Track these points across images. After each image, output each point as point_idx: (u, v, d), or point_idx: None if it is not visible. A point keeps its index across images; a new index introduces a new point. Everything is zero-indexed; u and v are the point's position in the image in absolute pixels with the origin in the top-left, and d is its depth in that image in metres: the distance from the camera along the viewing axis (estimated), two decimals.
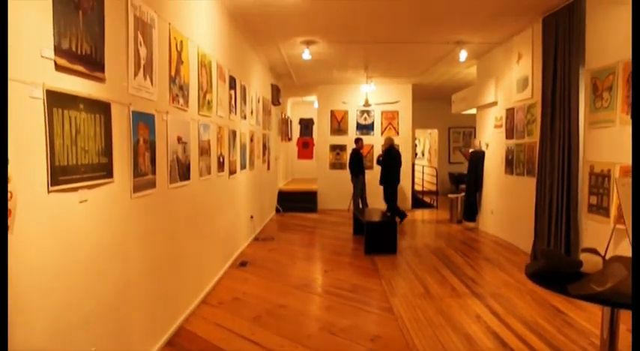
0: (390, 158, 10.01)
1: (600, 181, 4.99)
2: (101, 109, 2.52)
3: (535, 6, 5.84)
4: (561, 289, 2.15)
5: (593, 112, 5.15)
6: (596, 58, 5.15)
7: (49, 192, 2.05)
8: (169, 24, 3.66)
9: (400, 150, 12.38)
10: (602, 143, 5.00)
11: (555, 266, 2.35)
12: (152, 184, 3.31)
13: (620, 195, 2.00)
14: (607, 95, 4.89)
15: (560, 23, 5.72)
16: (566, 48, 5.59)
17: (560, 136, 5.68)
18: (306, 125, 16.99)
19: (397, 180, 10.12)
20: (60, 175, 2.12)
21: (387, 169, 9.99)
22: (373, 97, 11.81)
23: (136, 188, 3.02)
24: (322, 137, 12.64)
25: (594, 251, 2.41)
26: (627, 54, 4.51)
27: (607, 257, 2.40)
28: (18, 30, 1.86)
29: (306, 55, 7.95)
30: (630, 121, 4.45)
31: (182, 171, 3.99)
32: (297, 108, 17.19)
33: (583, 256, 2.38)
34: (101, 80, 2.53)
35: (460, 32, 7.21)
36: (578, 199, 5.41)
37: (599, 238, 4.88)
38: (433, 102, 15.17)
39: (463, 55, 7.94)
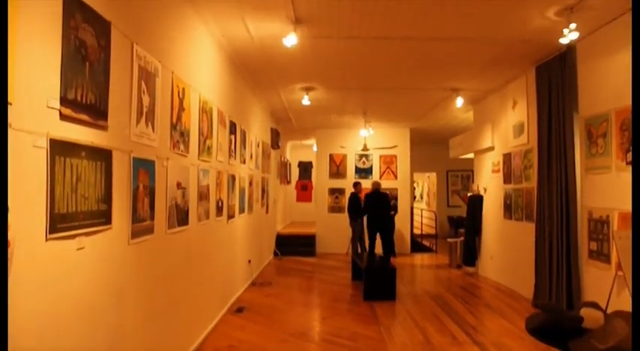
0: (374, 202, 10.14)
1: (599, 227, 4.98)
2: (102, 156, 2.55)
3: (528, 55, 6.02)
4: (563, 345, 2.10)
5: (589, 158, 5.21)
6: (589, 105, 5.26)
7: (46, 240, 2.04)
8: (172, 72, 3.76)
9: (398, 193, 12.39)
10: (600, 189, 5.02)
11: (556, 322, 2.31)
12: (150, 230, 3.30)
13: (618, 248, 1.99)
14: (602, 142, 4.96)
15: (553, 72, 5.88)
16: (559, 95, 5.73)
17: (558, 181, 5.72)
18: (305, 168, 17.10)
19: (381, 224, 10.20)
20: (59, 222, 2.12)
21: (370, 212, 10.19)
22: (371, 142, 11.95)
23: (134, 234, 3.01)
24: (321, 181, 12.69)
25: (595, 305, 2.37)
26: (619, 102, 4.61)
27: (609, 308, 2.36)
28: (26, 81, 1.92)
29: (306, 100, 8.11)
30: (626, 167, 4.49)
31: (180, 216, 3.98)
32: (296, 151, 17.35)
33: (584, 312, 2.34)
34: (104, 128, 2.57)
35: (456, 79, 7.40)
36: (577, 246, 5.38)
37: (601, 285, 4.82)
38: (431, 146, 15.34)
39: (459, 101, 8.11)
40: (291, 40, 4.71)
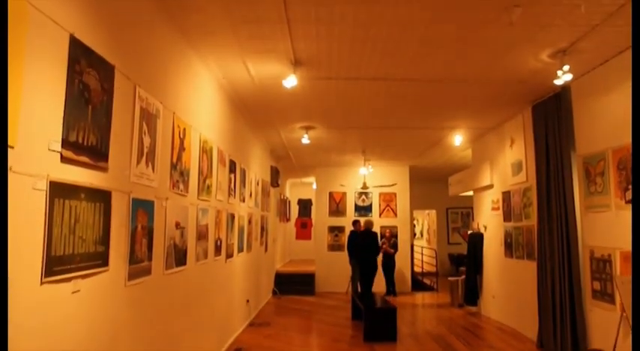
0: (361, 242, 10.08)
1: (602, 267, 4.93)
2: (102, 197, 2.55)
3: (524, 95, 6.12)
4: None
5: (588, 197, 5.21)
6: (586, 144, 5.31)
7: (41, 283, 2.01)
8: (174, 113, 3.81)
9: (399, 231, 12.30)
10: (600, 227, 5.00)
11: None
12: (147, 271, 3.26)
13: (620, 293, 1.96)
14: (600, 180, 4.97)
15: (549, 111, 5.97)
16: (556, 134, 5.79)
17: (558, 219, 5.70)
18: (305, 206, 17.06)
19: (366, 268, 10.05)
20: (55, 265, 2.10)
21: (357, 250, 10.11)
22: (371, 180, 11.98)
23: (131, 276, 2.97)
24: (320, 218, 12.63)
25: None
26: (615, 141, 4.66)
27: None
28: (29, 124, 1.94)
29: (305, 139, 8.18)
30: (626, 206, 4.49)
31: (178, 256, 3.95)
32: (296, 189, 17.37)
33: None
34: (104, 169, 2.59)
35: (454, 118, 7.50)
36: (581, 285, 5.31)
37: (607, 326, 4.72)
38: (430, 183, 15.37)
39: (458, 139, 8.19)
40: (291, 81, 4.80)
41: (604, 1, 3.54)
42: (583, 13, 3.61)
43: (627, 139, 4.37)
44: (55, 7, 2.15)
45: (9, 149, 1.78)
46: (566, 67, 4.58)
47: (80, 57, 2.31)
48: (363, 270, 10.08)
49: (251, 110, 6.97)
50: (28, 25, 1.91)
